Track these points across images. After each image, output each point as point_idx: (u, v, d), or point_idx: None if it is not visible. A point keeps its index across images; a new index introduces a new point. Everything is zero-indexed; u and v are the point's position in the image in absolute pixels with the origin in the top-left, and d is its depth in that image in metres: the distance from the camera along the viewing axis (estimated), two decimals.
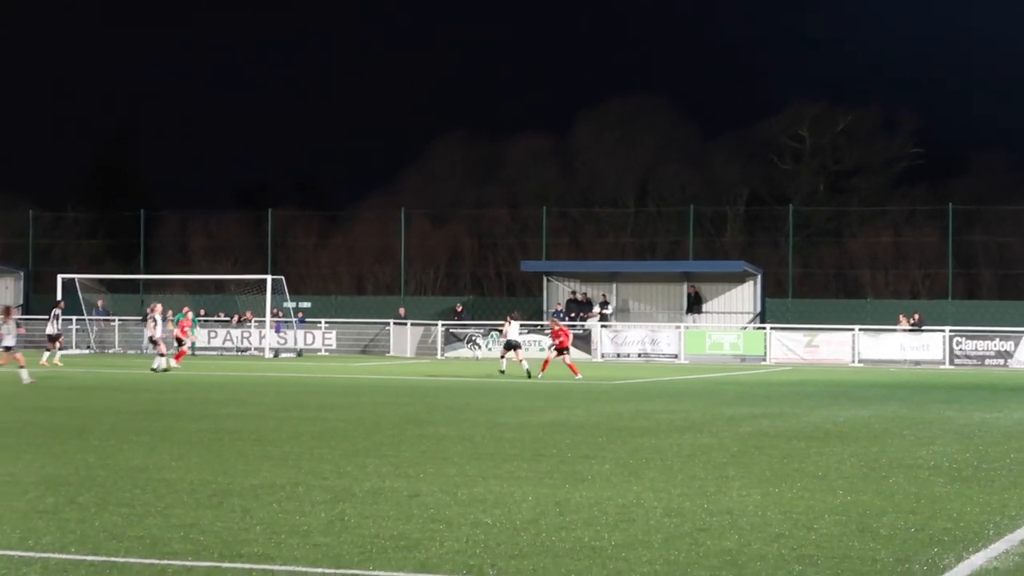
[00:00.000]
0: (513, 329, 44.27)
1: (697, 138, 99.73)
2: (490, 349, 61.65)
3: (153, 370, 42.58)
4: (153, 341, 45.26)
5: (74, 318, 65.57)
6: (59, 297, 59.39)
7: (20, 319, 52.31)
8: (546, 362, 43.06)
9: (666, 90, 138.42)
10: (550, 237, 76.55)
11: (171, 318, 52.96)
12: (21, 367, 35.49)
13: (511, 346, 43.39)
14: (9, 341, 36.87)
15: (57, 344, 50.78)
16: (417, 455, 18.11)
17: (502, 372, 42.83)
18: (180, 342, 47.99)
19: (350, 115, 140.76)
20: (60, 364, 48.26)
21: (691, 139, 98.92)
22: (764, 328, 61.34)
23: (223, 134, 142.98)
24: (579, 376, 41.03)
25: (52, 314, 51.61)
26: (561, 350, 42.93)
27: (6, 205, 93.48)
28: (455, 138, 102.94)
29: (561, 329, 43.49)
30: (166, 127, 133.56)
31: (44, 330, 52.35)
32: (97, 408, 27.28)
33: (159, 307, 47.92)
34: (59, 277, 64.90)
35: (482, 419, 24.98)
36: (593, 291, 66.43)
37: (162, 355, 43.72)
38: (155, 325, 45.97)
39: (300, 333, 66.11)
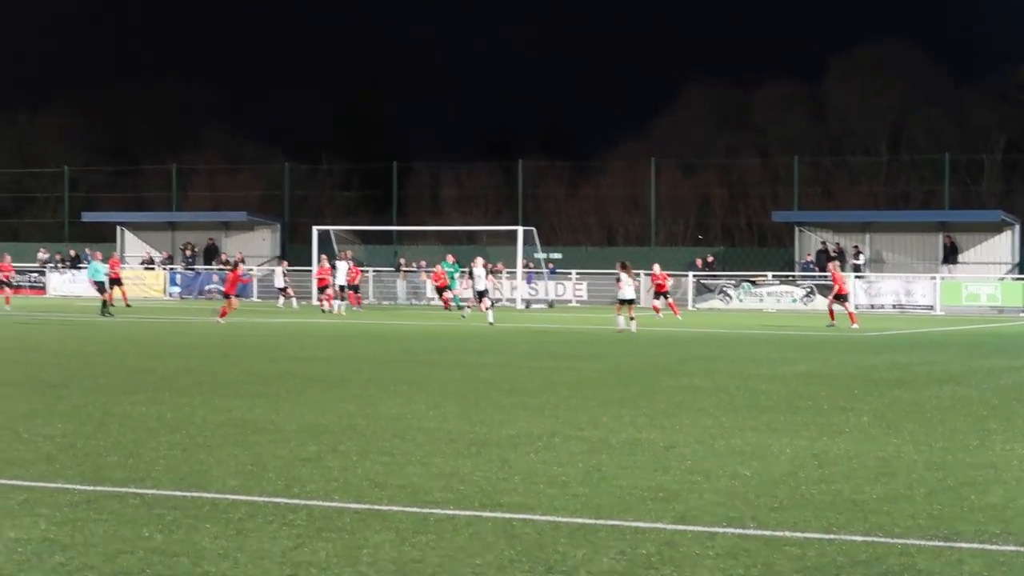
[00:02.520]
0: (480, 275, 45.19)
1: (950, 83, 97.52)
2: (741, 300, 61.31)
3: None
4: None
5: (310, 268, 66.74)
6: (315, 249, 60.56)
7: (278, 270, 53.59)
8: (672, 308, 48.34)
9: (918, 35, 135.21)
10: (801, 186, 75.60)
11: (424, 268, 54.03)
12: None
13: (481, 294, 44.18)
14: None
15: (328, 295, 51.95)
16: (672, 406, 18.07)
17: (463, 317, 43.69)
18: (440, 291, 48.96)
19: (600, 64, 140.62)
20: (342, 314, 49.43)
21: (944, 85, 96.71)
22: (1023, 279, 59.86)
23: (473, 84, 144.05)
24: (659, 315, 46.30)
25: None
26: (660, 293, 48.38)
27: (262, 158, 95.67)
28: (705, 86, 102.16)
29: (662, 275, 49.23)
30: (417, 77, 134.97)
31: (308, 280, 54.45)
32: (354, 357, 27.77)
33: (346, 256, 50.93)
34: (314, 228, 66.18)
35: (735, 370, 24.82)
36: (845, 241, 65.55)
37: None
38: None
39: (551, 284, 66.42)
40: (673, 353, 29.68)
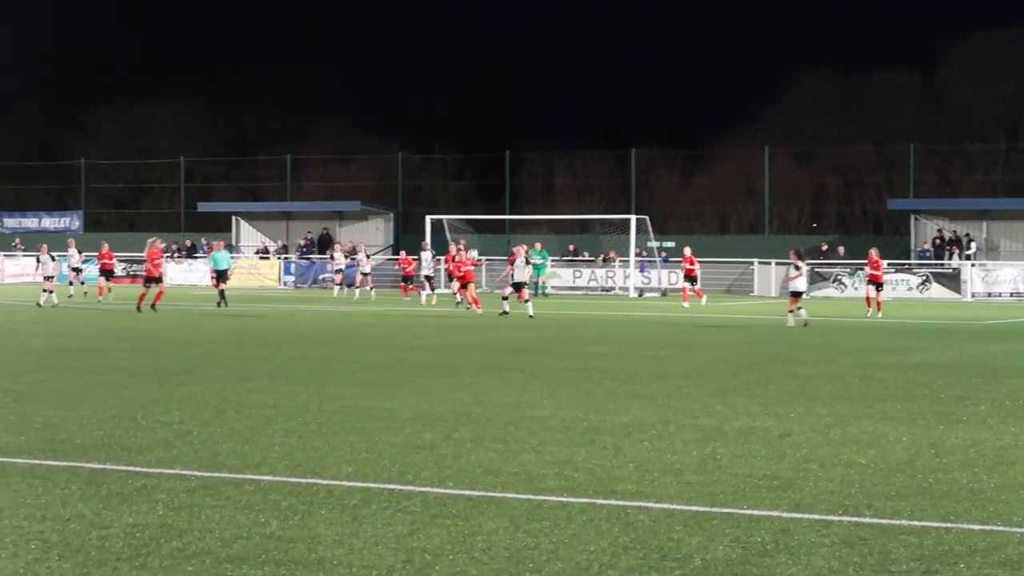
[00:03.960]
0: (520, 265, 43.50)
1: None
2: (856, 288, 60.76)
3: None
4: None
5: (442, 258, 66.98)
6: (427, 239, 60.73)
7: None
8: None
9: None
10: (917, 174, 74.70)
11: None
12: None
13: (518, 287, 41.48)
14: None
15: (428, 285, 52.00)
16: (785, 394, 17.97)
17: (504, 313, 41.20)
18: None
19: (712, 52, 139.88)
20: (433, 303, 49.52)
21: None
22: None
23: (586, 73, 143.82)
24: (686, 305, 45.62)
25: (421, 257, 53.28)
26: (690, 278, 48.15)
27: (376, 148, 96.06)
28: (818, 74, 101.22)
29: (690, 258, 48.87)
30: (532, 67, 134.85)
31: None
32: (466, 345, 27.84)
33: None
34: (427, 218, 66.40)
35: (850, 359, 24.64)
36: (961, 229, 64.76)
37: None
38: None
39: (664, 272, 66.19)
40: (787, 341, 29.48)
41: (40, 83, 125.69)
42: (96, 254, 54.00)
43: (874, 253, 41.78)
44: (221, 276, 46.33)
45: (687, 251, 50.35)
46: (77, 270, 56.44)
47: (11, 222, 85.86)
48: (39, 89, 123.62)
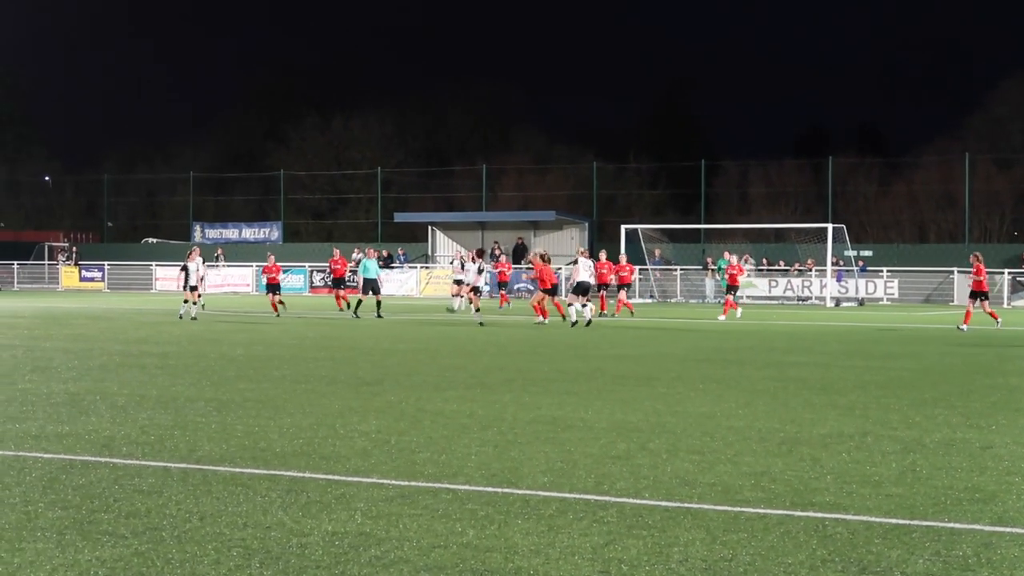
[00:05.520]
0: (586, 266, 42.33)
1: None
2: None
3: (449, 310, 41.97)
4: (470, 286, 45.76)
5: (638, 268, 66.99)
6: (622, 250, 60.54)
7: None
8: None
9: None
10: None
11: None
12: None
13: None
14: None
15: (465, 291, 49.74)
16: (988, 406, 17.63)
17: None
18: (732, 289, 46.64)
19: (911, 58, 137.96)
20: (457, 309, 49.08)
21: None
22: None
23: (782, 82, 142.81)
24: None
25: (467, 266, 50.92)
26: (732, 287, 45.35)
27: (571, 157, 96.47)
28: (1020, 78, 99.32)
29: (738, 266, 46.47)
30: (725, 76, 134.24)
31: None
32: (662, 354, 27.75)
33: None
34: (622, 227, 66.44)
35: None
36: None
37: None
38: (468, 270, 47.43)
39: (861, 282, 65.45)
40: (990, 352, 28.93)
41: (240, 96, 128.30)
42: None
43: None
44: (372, 286, 45.09)
45: (732, 258, 48.07)
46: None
47: (212, 233, 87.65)
48: (240, 101, 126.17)
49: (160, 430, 14.66)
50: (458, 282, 50.38)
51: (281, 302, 46.35)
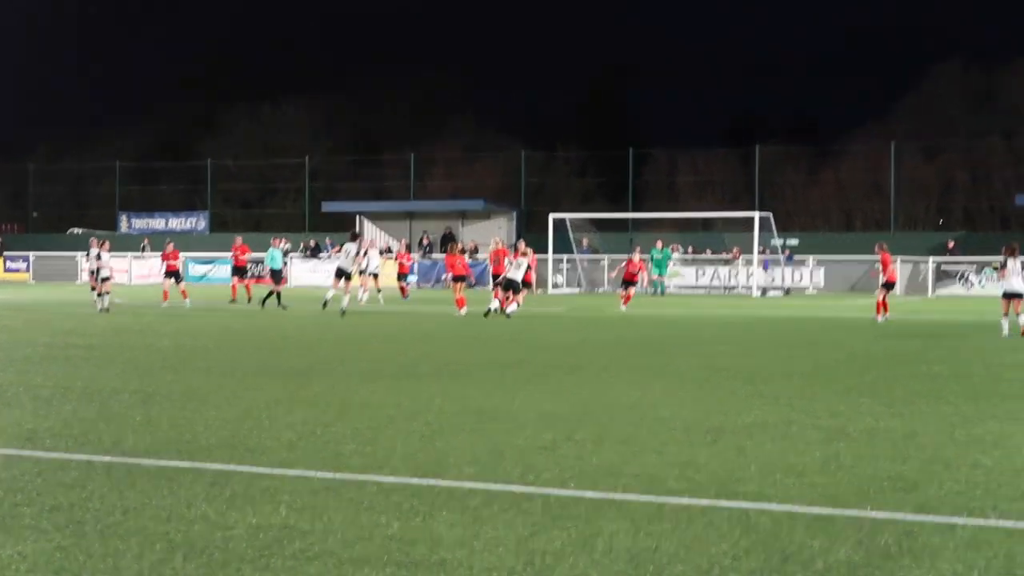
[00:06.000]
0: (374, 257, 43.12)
1: None
2: (983, 286, 59.97)
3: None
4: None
5: (565, 256, 67.07)
6: (551, 237, 60.55)
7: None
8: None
9: None
10: None
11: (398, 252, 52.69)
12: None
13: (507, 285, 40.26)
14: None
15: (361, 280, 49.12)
16: (911, 394, 17.77)
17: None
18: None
19: (837, 49, 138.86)
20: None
21: None
22: None
23: (709, 70, 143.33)
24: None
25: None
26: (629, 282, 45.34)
27: (500, 145, 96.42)
28: (946, 68, 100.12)
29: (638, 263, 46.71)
30: (656, 65, 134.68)
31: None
32: (590, 343, 27.81)
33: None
34: (550, 216, 66.50)
35: (977, 357, 24.34)
36: None
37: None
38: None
39: (788, 271, 65.79)
40: (913, 341, 29.18)
41: (166, 85, 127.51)
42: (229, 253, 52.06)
43: None
44: (276, 276, 45.19)
45: (635, 255, 47.39)
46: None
47: (139, 223, 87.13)
48: (165, 91, 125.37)
49: (84, 423, 14.56)
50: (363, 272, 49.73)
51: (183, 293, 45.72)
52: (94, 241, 43.10)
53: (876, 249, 39.84)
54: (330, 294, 40.18)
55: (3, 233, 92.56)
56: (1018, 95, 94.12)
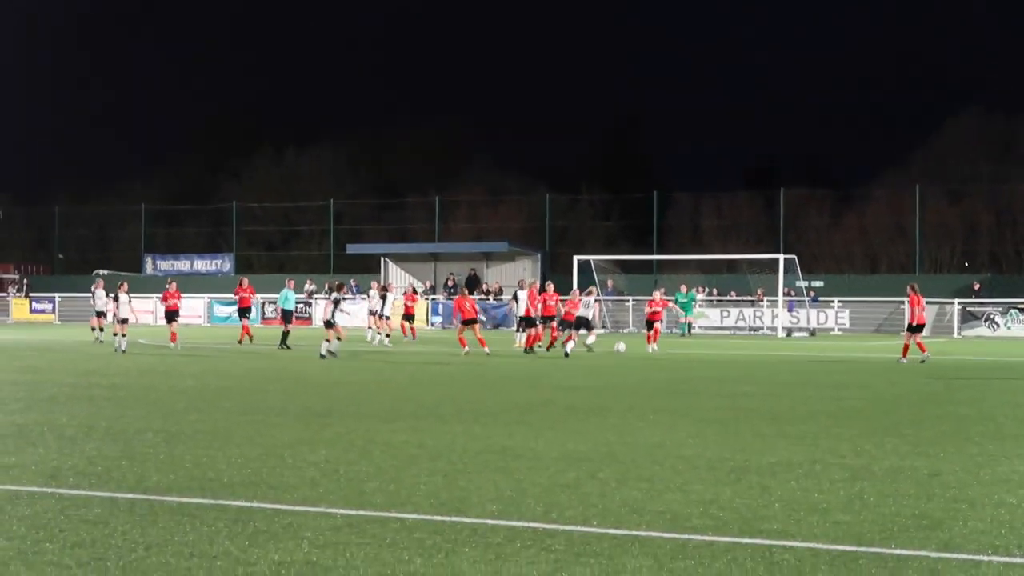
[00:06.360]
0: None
1: None
2: (1009, 328, 59.82)
3: (322, 356, 37.82)
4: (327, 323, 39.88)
5: (592, 299, 66.91)
6: (575, 278, 60.50)
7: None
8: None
9: None
10: None
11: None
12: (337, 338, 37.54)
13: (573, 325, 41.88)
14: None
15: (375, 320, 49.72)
16: (937, 434, 17.71)
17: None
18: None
19: (860, 94, 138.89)
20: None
21: None
22: None
23: (734, 114, 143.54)
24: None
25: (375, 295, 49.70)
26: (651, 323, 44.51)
27: (524, 189, 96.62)
28: (970, 114, 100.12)
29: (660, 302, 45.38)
30: (678, 110, 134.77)
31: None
32: (615, 386, 27.76)
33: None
34: (575, 258, 66.52)
35: (1004, 398, 24.25)
36: None
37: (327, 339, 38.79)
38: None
39: (813, 312, 65.68)
40: (939, 382, 29.07)
41: (193, 128, 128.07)
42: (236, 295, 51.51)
43: None
44: (287, 316, 45.28)
45: (657, 295, 46.54)
46: (101, 314, 49.91)
47: (164, 264, 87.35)
48: (192, 134, 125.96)
49: (107, 461, 14.58)
50: (372, 313, 50.38)
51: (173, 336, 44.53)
52: (100, 283, 43.07)
53: (908, 291, 39.61)
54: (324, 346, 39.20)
55: (30, 275, 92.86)
56: None
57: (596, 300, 42.07)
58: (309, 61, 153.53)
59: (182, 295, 49.09)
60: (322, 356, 37.26)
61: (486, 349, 40.52)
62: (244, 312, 50.09)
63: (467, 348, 40.68)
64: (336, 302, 39.79)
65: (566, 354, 39.36)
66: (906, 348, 37.28)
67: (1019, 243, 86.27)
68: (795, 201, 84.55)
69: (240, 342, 47.16)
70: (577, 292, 43.99)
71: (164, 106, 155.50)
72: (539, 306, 44.52)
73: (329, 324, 38.70)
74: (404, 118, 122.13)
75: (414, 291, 54.23)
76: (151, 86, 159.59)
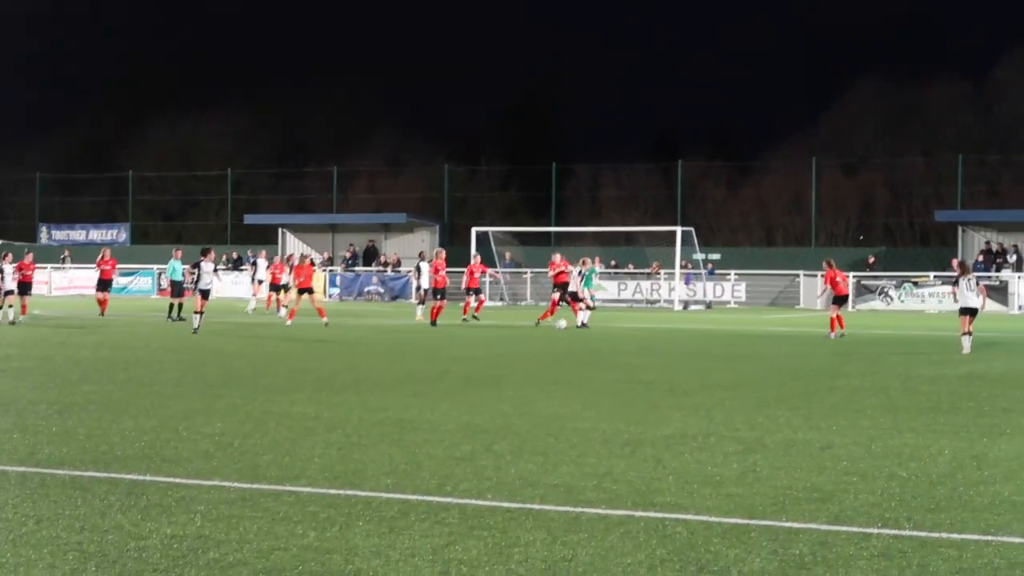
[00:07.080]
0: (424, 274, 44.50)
1: None
2: (902, 301, 60.52)
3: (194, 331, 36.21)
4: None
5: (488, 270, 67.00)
6: (473, 250, 60.45)
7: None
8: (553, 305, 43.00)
9: None
10: (966, 185, 74.18)
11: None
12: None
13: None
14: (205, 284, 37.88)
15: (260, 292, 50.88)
16: (829, 407, 17.89)
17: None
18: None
19: (760, 64, 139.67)
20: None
21: None
22: None
23: (632, 85, 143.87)
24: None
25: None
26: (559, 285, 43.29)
27: (423, 159, 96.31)
28: (867, 84, 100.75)
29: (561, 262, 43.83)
30: (577, 80, 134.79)
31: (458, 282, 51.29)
32: (512, 355, 27.82)
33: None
34: (473, 230, 66.50)
35: (895, 371, 24.52)
36: (1009, 241, 64.34)
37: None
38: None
39: (709, 285, 66.10)
40: (834, 355, 29.36)
41: (88, 94, 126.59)
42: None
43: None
44: (177, 288, 44.54)
45: (557, 256, 45.04)
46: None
47: (59, 234, 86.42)
48: (87, 100, 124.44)
49: None
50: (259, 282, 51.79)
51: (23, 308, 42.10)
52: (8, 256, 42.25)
53: (824, 266, 39.35)
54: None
55: None
56: (937, 112, 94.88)
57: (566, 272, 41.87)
58: (205, 26, 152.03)
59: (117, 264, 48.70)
60: (195, 331, 35.95)
61: (324, 319, 40.42)
62: (105, 285, 47.74)
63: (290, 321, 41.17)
64: (197, 265, 39.10)
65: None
66: (833, 322, 36.72)
67: (914, 217, 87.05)
68: (694, 173, 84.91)
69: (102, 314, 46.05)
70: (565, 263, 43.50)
71: (59, 69, 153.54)
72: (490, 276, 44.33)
73: (205, 294, 38.05)
74: (303, 85, 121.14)
75: (312, 262, 53.85)
76: (47, 47, 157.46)
